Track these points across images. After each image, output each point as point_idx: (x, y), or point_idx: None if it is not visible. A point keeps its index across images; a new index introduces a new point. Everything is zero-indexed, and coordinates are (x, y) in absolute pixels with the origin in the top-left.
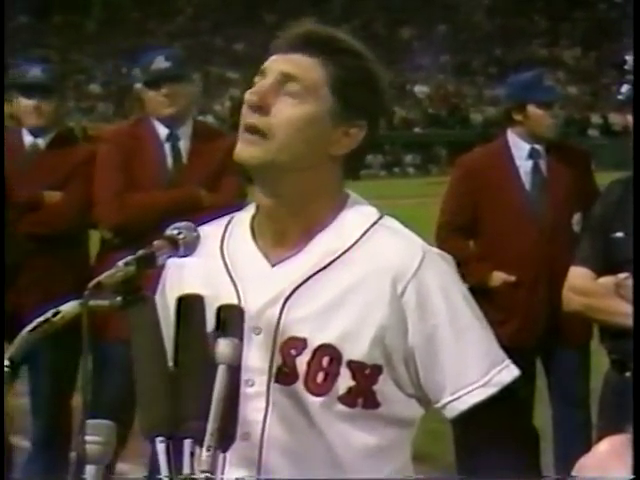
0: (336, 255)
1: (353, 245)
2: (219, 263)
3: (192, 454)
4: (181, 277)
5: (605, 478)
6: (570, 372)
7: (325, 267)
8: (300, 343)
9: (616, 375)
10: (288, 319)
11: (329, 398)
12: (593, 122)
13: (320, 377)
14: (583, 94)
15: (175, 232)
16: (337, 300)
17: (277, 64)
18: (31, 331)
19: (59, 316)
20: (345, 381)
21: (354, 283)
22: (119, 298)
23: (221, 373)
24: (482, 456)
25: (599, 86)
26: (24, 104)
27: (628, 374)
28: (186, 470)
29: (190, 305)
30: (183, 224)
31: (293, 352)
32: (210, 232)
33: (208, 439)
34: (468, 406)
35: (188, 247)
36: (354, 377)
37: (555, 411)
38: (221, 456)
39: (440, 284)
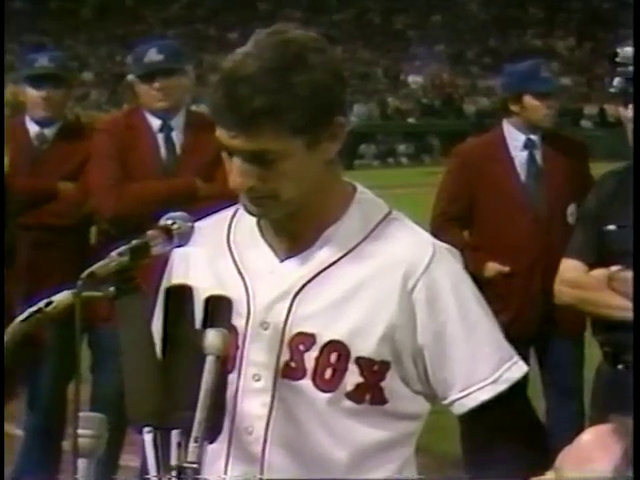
0: (346, 250)
1: (363, 240)
2: (226, 256)
3: (179, 445)
4: (187, 268)
5: (587, 470)
6: (564, 363)
7: (335, 262)
8: (309, 339)
9: (608, 367)
10: (297, 315)
11: (337, 394)
12: (587, 113)
13: (328, 373)
14: (577, 85)
15: (169, 222)
16: (347, 296)
17: (235, 144)
18: (23, 321)
19: (52, 306)
20: (353, 377)
21: (364, 279)
22: (112, 288)
23: (209, 364)
24: (491, 452)
25: (593, 77)
26: (32, 95)
27: (620, 367)
28: (173, 461)
29: (178, 296)
30: (177, 214)
31: (302, 348)
32: (215, 223)
33: (195, 430)
34: (478, 403)
35: (182, 237)
36: (362, 373)
37: (548, 402)
38: (224, 451)
39: (450, 281)
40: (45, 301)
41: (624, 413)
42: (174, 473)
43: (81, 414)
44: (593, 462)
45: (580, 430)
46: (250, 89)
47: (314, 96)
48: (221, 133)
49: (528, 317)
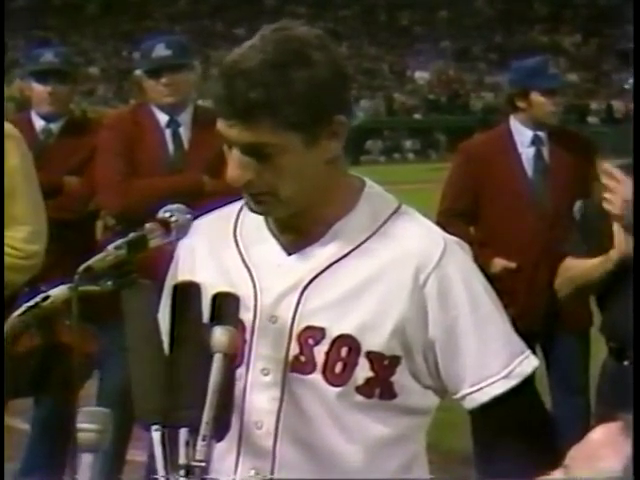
0: (356, 244)
1: (373, 235)
2: (232, 250)
3: (187, 443)
4: (193, 262)
5: (596, 468)
6: (570, 359)
7: (344, 256)
8: (318, 333)
9: (614, 363)
10: (306, 308)
11: (347, 388)
12: (593, 109)
13: (338, 367)
14: (583, 81)
15: (167, 215)
16: (357, 290)
17: (233, 134)
18: (20, 315)
19: (49, 301)
20: (363, 372)
21: (374, 273)
22: (110, 282)
23: (217, 362)
24: (502, 445)
25: (600, 73)
26: (38, 90)
27: (626, 362)
28: (181, 460)
29: (186, 292)
30: (175, 206)
31: (311, 342)
32: (222, 217)
33: (203, 428)
34: (489, 398)
35: (180, 230)
36: (372, 368)
37: (554, 398)
38: (235, 446)
39: (461, 274)
40: (42, 296)
41: (629, 409)
42: (182, 472)
43: (85, 409)
44: (602, 460)
45: (586, 426)
46: (247, 82)
47: (312, 93)
48: (221, 123)
49: (534, 313)
